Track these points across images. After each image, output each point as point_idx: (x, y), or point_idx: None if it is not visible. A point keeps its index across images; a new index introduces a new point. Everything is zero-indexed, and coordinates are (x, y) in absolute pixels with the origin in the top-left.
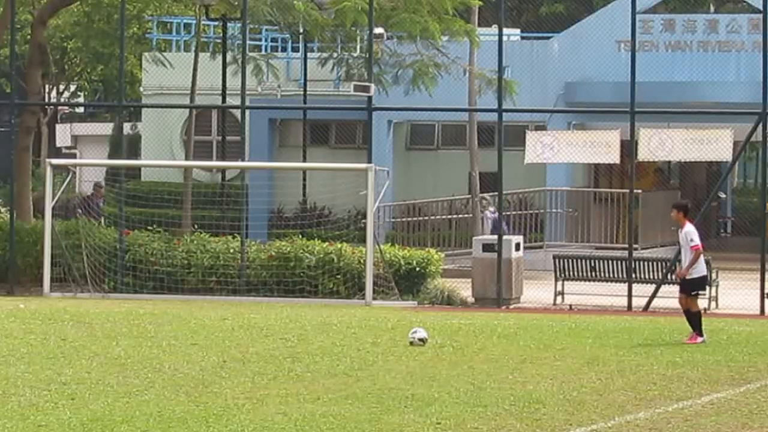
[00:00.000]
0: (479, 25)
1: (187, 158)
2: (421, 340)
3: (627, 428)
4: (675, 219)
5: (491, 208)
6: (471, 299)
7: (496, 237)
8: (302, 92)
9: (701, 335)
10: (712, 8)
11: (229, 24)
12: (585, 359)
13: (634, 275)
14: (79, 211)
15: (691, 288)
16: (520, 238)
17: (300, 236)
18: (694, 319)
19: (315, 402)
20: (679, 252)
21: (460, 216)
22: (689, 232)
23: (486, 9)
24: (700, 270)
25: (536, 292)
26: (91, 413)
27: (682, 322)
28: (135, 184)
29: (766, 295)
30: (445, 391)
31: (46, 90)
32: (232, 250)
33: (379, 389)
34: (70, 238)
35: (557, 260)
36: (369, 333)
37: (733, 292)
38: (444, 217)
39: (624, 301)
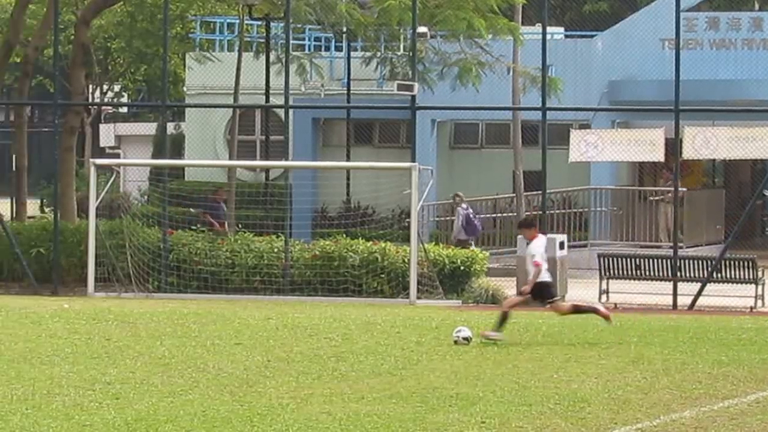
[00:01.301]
0: (523, 23)
1: (230, 158)
2: (465, 339)
3: (672, 427)
4: (527, 238)
5: (464, 204)
6: None
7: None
8: (346, 91)
9: (499, 331)
10: (756, 6)
11: (272, 23)
12: (630, 358)
13: (679, 273)
14: (202, 212)
15: (548, 296)
16: (564, 237)
17: (344, 235)
18: (505, 318)
19: (359, 401)
20: (725, 250)
21: (505, 215)
22: (532, 247)
23: (530, 7)
24: (543, 277)
25: (581, 290)
26: (136, 413)
27: (727, 321)
28: (179, 184)
29: None
30: (490, 390)
31: (90, 90)
32: (276, 250)
33: (424, 388)
34: (115, 237)
35: (602, 259)
36: (413, 332)
37: None
38: (488, 216)
39: (669, 300)
